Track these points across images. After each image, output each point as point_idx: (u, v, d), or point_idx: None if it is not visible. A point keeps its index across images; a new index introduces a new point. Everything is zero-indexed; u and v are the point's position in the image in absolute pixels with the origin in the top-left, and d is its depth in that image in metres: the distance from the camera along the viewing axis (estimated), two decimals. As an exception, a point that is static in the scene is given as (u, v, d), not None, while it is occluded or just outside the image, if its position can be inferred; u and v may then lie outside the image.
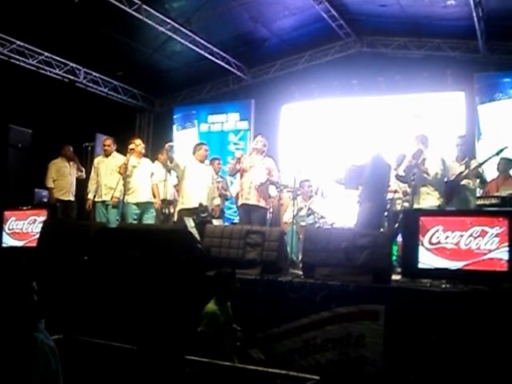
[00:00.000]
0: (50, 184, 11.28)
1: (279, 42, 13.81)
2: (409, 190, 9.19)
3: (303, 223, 9.91)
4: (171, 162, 9.61)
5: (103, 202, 10.49)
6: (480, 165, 9.28)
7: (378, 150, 8.95)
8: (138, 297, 6.72)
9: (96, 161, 10.94)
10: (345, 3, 12.24)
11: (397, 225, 8.98)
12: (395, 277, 6.84)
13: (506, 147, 9.09)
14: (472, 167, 9.15)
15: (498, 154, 9.18)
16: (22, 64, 12.96)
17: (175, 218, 9.79)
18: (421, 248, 6.37)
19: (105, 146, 10.91)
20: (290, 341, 6.36)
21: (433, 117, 12.70)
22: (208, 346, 5.22)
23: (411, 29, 12.70)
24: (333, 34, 13.46)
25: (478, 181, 9.33)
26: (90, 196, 10.77)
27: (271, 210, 10.23)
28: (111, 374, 4.51)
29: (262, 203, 9.53)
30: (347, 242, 6.64)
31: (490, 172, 9.76)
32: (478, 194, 9.63)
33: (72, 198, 11.35)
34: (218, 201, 10.08)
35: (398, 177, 9.18)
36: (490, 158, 9.29)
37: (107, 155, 10.79)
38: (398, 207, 9.64)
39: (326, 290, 6.26)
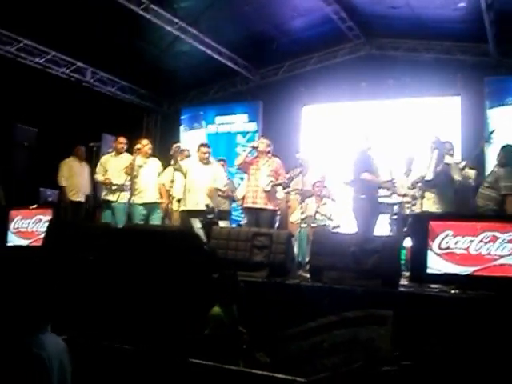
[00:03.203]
0: (63, 183, 11.16)
1: (288, 43, 13.74)
2: (417, 194, 9.15)
3: (313, 224, 9.85)
4: (175, 164, 9.59)
5: (109, 201, 10.40)
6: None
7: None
8: (143, 298, 6.66)
9: (104, 158, 10.80)
10: (355, 5, 12.19)
11: (405, 229, 8.94)
12: (403, 282, 6.76)
13: (494, 130, 9.04)
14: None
15: (488, 138, 9.11)
16: (28, 63, 12.94)
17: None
18: (430, 253, 6.31)
19: (121, 143, 10.71)
20: (297, 344, 6.28)
21: (442, 121, 12.66)
22: (213, 349, 5.17)
23: (421, 31, 12.62)
24: (342, 36, 13.43)
25: (474, 173, 9.25)
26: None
27: (279, 213, 10.17)
28: (114, 376, 4.46)
29: (270, 206, 9.42)
30: (355, 246, 6.59)
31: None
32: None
33: (82, 199, 11.22)
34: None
35: (425, 182, 9.12)
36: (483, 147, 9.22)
37: (118, 153, 10.68)
38: (407, 211, 9.59)
39: (333, 293, 6.21)
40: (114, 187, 10.29)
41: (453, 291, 6.10)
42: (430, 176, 9.02)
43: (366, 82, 13.48)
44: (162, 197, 10.29)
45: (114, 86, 15.22)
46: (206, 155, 9.90)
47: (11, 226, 9.19)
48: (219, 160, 11.05)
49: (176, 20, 12.23)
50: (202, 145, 10.20)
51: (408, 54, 13.39)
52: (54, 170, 11.37)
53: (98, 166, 10.68)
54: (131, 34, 12.78)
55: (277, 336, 6.40)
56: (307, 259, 8.53)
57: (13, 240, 9.12)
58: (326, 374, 4.82)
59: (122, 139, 10.77)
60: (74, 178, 11.14)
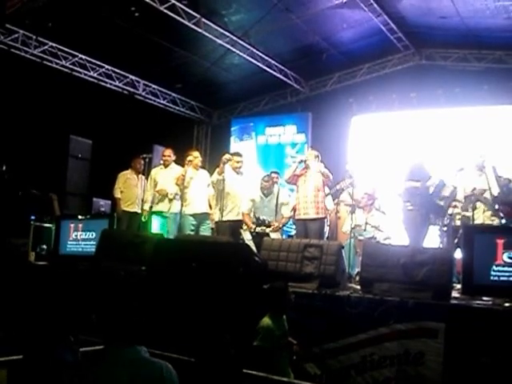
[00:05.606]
0: (118, 194, 11.33)
1: (337, 55, 13.78)
2: (469, 205, 9.07)
3: (361, 237, 9.82)
4: (220, 174, 9.67)
5: (161, 212, 10.56)
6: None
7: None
8: (195, 309, 6.72)
9: (154, 171, 11.01)
10: (404, 15, 12.14)
11: (456, 240, 8.86)
12: (455, 294, 6.70)
13: None
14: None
15: None
16: (83, 76, 13.27)
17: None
18: (481, 265, 6.25)
19: (164, 156, 10.96)
20: (347, 356, 6.27)
21: (493, 131, 12.50)
22: (263, 361, 5.19)
23: (471, 41, 12.54)
24: (391, 47, 13.42)
25: None
26: (146, 207, 10.88)
27: (328, 223, 10.15)
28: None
29: (321, 214, 9.41)
30: (406, 258, 6.54)
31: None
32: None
33: (138, 211, 11.34)
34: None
35: (494, 199, 8.99)
36: None
37: (166, 166, 10.86)
38: (458, 222, 9.49)
39: (384, 305, 6.18)
40: (168, 197, 10.49)
41: (507, 304, 6.02)
42: (495, 191, 8.91)
43: (415, 92, 13.42)
44: (211, 208, 10.41)
45: (165, 98, 15.46)
46: (238, 164, 10.10)
47: (65, 235, 9.37)
48: (271, 172, 11.07)
49: (227, 33, 12.38)
50: (235, 153, 10.41)
51: (458, 63, 13.31)
52: (108, 180, 11.58)
53: (149, 180, 10.94)
54: (183, 47, 12.95)
55: (327, 347, 6.41)
56: (356, 270, 8.52)
57: (66, 249, 9.31)
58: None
59: (167, 152, 11.00)
60: (130, 189, 11.29)
